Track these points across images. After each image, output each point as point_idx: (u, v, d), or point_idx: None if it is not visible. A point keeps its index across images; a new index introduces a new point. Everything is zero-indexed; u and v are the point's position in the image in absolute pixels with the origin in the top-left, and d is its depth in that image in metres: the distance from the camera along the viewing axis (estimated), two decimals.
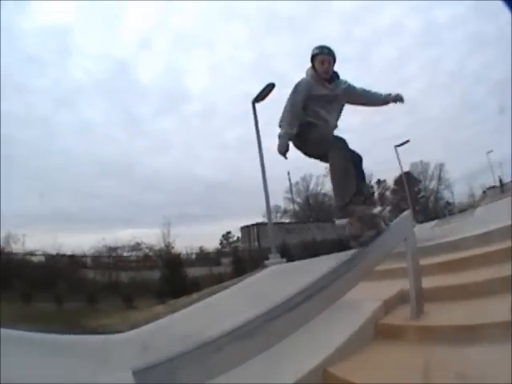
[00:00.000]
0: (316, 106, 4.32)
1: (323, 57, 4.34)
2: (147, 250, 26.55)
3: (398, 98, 4.63)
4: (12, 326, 7.02)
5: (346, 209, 4.01)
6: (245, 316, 2.77)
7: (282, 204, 40.35)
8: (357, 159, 4.30)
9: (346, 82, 4.51)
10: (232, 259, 23.70)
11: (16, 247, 28.36)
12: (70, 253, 25.88)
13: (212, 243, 33.76)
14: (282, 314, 2.82)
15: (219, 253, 31.43)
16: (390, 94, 4.62)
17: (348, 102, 4.58)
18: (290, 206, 41.00)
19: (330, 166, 4.13)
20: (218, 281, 15.08)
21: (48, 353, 5.55)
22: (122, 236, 26.93)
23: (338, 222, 4.17)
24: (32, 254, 27.09)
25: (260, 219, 29.33)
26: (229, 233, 39.53)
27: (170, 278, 19.36)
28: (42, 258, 26.68)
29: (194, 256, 28.41)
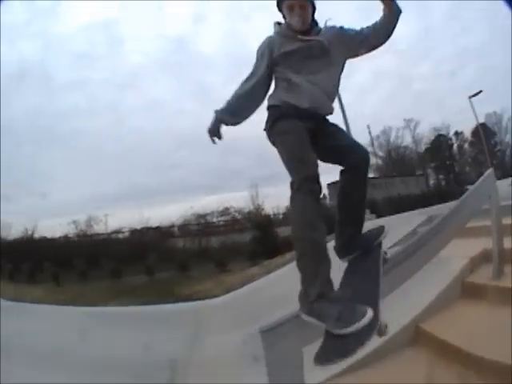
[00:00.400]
0: (285, 71, 3.00)
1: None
2: (236, 214, 26.34)
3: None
4: (109, 303, 7.70)
5: None
6: (340, 277, 2.88)
7: None
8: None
9: (334, 27, 3.06)
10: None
11: (99, 228, 30.13)
12: (157, 225, 26.94)
13: None
14: (386, 271, 2.69)
15: None
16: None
17: (348, 55, 3.08)
18: (373, 160, 40.18)
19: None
20: None
21: (146, 324, 5.88)
22: (210, 202, 27.30)
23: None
24: (118, 231, 28.62)
25: None
26: None
27: (262, 239, 19.11)
28: (130, 234, 28.15)
29: (281, 216, 27.92)
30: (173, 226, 26.95)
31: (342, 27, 3.05)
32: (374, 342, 3.39)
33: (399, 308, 3.53)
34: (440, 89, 37.44)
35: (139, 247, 21.55)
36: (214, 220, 26.70)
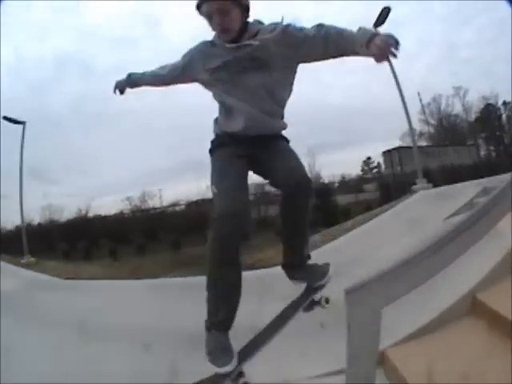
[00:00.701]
0: (218, 93, 2.76)
1: (209, 5, 2.49)
2: None
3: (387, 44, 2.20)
4: (169, 275, 7.89)
5: None
6: (404, 242, 2.94)
7: (417, 126, 38.41)
8: None
9: (277, 25, 2.59)
10: (377, 185, 23.40)
11: (154, 202, 31.05)
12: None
13: (352, 170, 33.25)
14: (445, 243, 2.47)
15: (361, 179, 30.85)
16: (374, 35, 2.26)
17: (297, 59, 2.68)
18: (425, 129, 38.97)
19: None
20: (366, 208, 15.23)
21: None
22: None
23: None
24: (175, 204, 29.40)
25: (397, 143, 28.22)
26: (369, 158, 38.64)
27: (321, 207, 19.28)
28: (186, 207, 28.84)
29: (336, 184, 27.95)
30: None
31: (288, 25, 2.59)
32: (433, 312, 3.63)
33: (457, 278, 3.61)
34: (486, 56, 35.85)
35: (197, 219, 21.68)
36: (273, 189, 26.49)
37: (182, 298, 5.88)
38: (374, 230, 7.90)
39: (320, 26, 2.50)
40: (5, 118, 16.48)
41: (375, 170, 34.72)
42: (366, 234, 7.81)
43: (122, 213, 29.71)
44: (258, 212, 22.71)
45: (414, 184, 11.85)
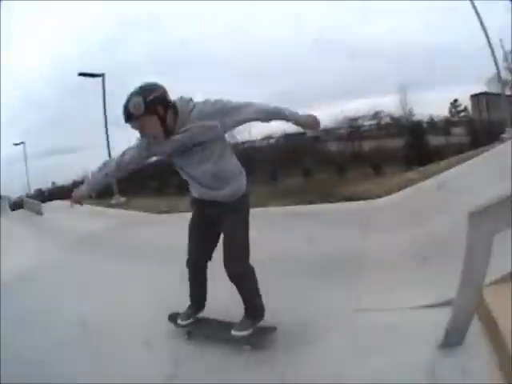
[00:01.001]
0: (176, 167, 3.25)
1: (132, 125, 2.97)
2: (387, 119, 24.36)
3: (310, 125, 3.01)
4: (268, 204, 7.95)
5: None
6: (495, 189, 3.01)
7: (502, 74, 34.66)
8: None
9: (200, 111, 2.93)
10: (466, 130, 22.28)
11: (242, 136, 31.25)
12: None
13: (439, 111, 31.49)
14: None
15: (449, 122, 29.31)
16: (296, 117, 3.00)
17: (225, 129, 3.00)
18: (509, 77, 35.26)
19: None
20: (457, 151, 14.30)
21: (312, 222, 6.06)
22: (359, 106, 26.72)
23: None
24: (270, 137, 29.54)
25: (483, 88, 26.17)
26: (456, 101, 36.26)
27: (414, 145, 18.83)
28: (282, 139, 29.01)
29: (425, 124, 26.56)
30: (325, 129, 27.11)
31: (204, 104, 2.96)
32: None
33: None
34: None
35: (291, 152, 21.89)
36: (366, 123, 25.86)
37: (284, 225, 6.19)
38: (465, 174, 7.88)
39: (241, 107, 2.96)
40: (81, 73, 17.15)
41: (462, 114, 32.47)
42: (459, 176, 7.82)
43: None
44: (352, 146, 22.32)
45: (502, 133, 11.88)
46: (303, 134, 27.41)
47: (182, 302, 3.52)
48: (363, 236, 4.79)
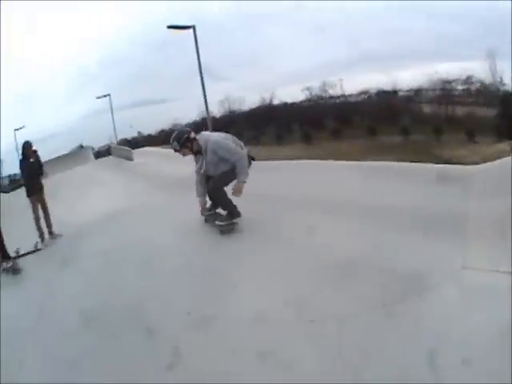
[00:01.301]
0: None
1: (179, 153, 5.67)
2: (478, 85, 24.27)
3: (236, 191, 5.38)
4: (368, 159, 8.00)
5: None
6: None
7: None
8: None
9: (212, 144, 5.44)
10: None
11: (334, 92, 30.81)
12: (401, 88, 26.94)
13: None
14: None
15: None
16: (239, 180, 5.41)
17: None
18: None
19: None
20: None
21: (416, 180, 6.03)
22: (449, 69, 25.66)
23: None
24: (366, 92, 29.13)
25: None
26: None
27: (505, 116, 17.91)
28: (377, 96, 28.50)
29: None
30: (419, 90, 26.30)
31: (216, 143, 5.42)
32: None
33: None
34: None
35: (388, 109, 21.45)
36: (459, 87, 25.08)
37: (384, 179, 6.34)
38: None
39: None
40: (170, 26, 17.74)
41: None
42: None
43: (309, 100, 30.58)
44: (446, 110, 21.78)
45: None
46: (396, 92, 26.91)
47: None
48: (466, 199, 4.76)
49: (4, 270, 6.45)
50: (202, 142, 5.46)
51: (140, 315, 4.03)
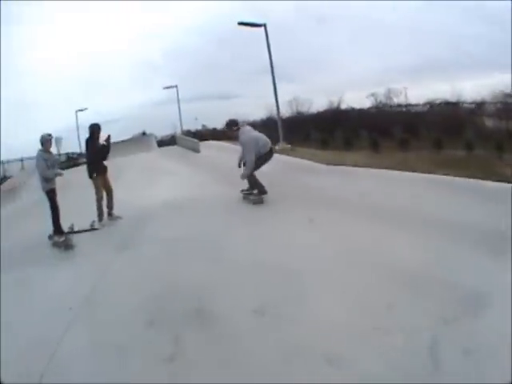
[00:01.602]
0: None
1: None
2: None
3: None
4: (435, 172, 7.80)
5: None
6: None
7: None
8: None
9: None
10: None
11: (398, 100, 30.14)
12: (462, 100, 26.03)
13: None
14: None
15: None
16: None
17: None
18: None
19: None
20: None
21: (481, 198, 5.91)
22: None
23: None
24: (431, 103, 28.31)
25: None
26: None
27: None
28: (441, 107, 27.64)
29: None
30: (482, 103, 25.36)
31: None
32: None
33: None
34: None
35: (454, 121, 20.70)
36: None
37: (450, 194, 6.37)
38: None
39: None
40: (241, 23, 17.39)
41: None
42: None
43: (378, 107, 30.16)
44: (507, 124, 21.38)
45: None
46: (459, 103, 25.94)
47: None
48: None
49: (55, 243, 6.70)
50: (239, 134, 7.55)
51: (201, 306, 4.02)
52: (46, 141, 6.90)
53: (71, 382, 3.25)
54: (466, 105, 26.57)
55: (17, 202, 13.20)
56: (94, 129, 7.83)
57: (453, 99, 26.63)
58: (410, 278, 4.00)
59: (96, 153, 7.83)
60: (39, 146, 6.81)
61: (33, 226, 7.97)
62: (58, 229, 6.84)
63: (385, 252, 4.63)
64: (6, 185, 18.51)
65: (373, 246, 4.83)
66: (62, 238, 6.71)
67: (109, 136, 8.08)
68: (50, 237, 6.87)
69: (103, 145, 7.82)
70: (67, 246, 6.50)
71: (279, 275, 4.42)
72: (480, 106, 25.65)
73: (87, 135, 7.96)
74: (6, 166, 26.99)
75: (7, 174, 25.85)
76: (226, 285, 4.40)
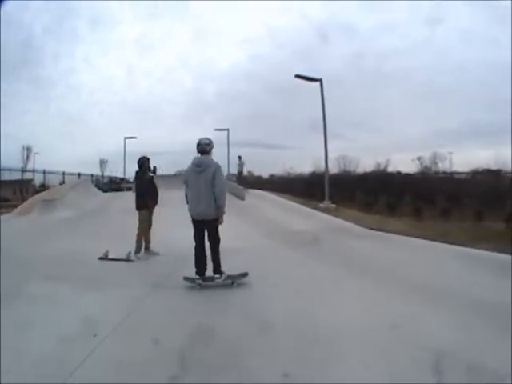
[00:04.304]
0: None
1: None
2: None
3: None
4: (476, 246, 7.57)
5: None
6: None
7: None
8: None
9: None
10: None
11: (443, 165, 29.76)
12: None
13: None
14: None
15: None
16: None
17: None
18: None
19: None
20: None
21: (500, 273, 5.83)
22: None
23: None
24: (476, 171, 27.96)
25: None
26: None
27: None
28: (483, 175, 27.24)
29: None
30: None
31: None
32: None
33: None
34: None
35: (495, 190, 21.00)
36: None
37: (490, 271, 6.12)
38: None
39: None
40: (298, 76, 17.67)
41: None
42: None
43: (423, 172, 29.91)
44: None
45: None
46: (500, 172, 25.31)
47: None
48: None
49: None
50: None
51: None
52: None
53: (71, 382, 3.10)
54: (508, 174, 26.14)
55: (53, 213, 14.36)
56: (144, 161, 8.07)
57: (496, 167, 26.25)
58: (437, 355, 3.59)
59: (145, 186, 8.03)
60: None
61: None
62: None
63: (415, 328, 4.29)
64: (45, 194, 19.16)
65: (401, 320, 4.46)
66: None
67: (155, 167, 8.32)
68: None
69: (152, 177, 8.03)
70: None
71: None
72: None
73: (135, 165, 8.21)
74: (47, 176, 28.41)
75: (46, 184, 27.55)
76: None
